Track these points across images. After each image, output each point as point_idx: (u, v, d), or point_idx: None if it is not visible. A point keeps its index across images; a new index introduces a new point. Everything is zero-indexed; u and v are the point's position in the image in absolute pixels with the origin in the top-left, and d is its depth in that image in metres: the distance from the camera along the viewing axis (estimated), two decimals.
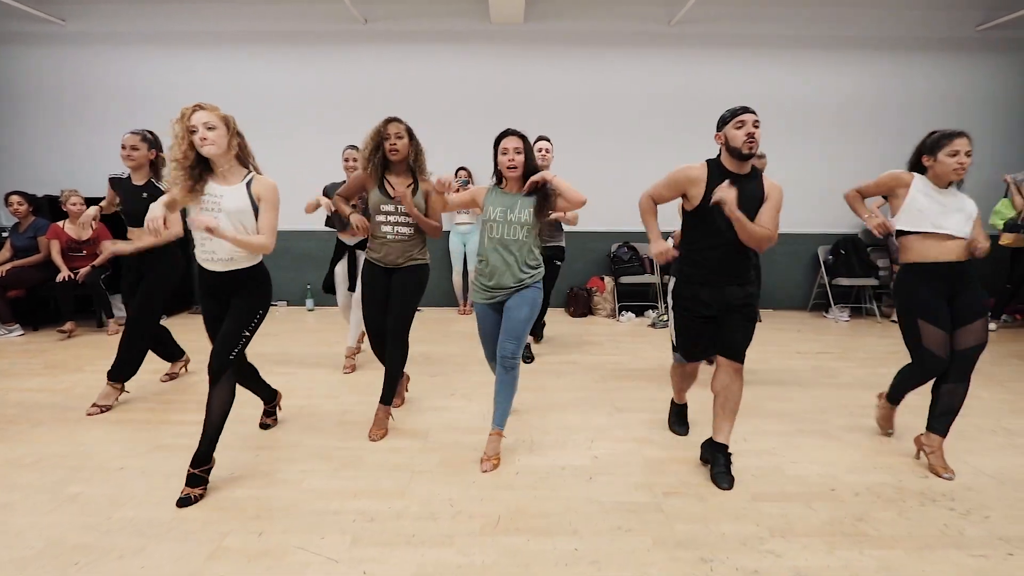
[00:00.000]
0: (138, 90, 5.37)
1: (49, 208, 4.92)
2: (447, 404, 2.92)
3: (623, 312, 5.26)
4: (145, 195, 2.96)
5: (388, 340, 2.54)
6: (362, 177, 2.50)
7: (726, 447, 2.15)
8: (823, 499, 2.00)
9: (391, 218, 2.50)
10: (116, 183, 3.03)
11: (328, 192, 3.66)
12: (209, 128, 1.95)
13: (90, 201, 4.55)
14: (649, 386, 3.22)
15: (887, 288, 5.36)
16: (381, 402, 2.56)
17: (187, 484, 2.00)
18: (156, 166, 3.02)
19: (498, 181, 2.31)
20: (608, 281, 5.41)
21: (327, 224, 3.76)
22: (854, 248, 5.33)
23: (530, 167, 2.21)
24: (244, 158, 2.09)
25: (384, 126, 2.45)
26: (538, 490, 2.05)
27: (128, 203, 2.94)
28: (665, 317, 4.97)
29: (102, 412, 2.81)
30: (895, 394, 2.46)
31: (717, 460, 2.15)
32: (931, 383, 2.31)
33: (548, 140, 4.02)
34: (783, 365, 3.68)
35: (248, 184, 2.07)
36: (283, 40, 5.32)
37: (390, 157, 2.45)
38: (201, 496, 1.99)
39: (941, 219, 2.15)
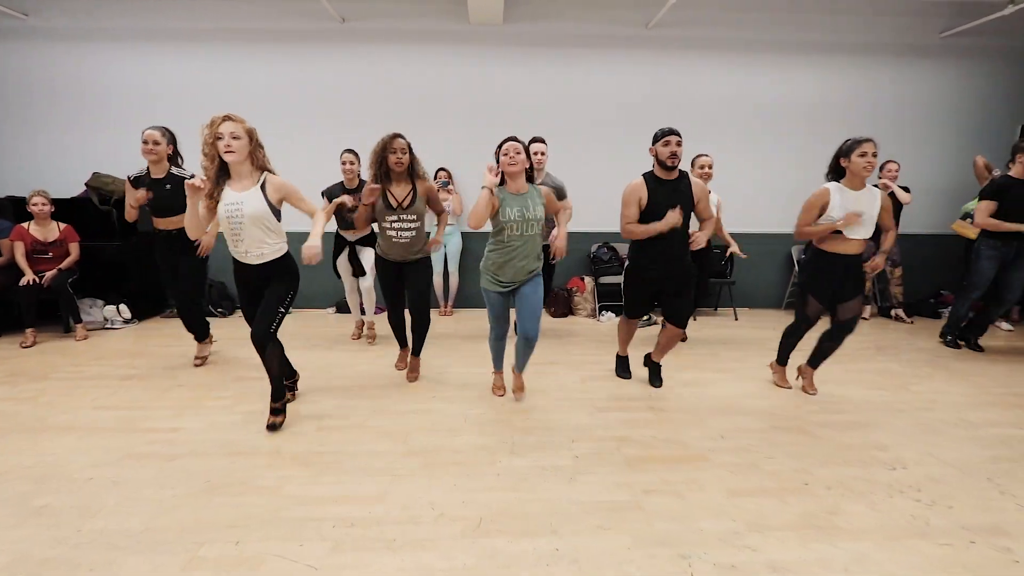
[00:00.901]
0: (108, 88, 5.21)
1: (13, 209, 4.74)
2: (428, 407, 2.91)
3: (603, 312, 5.31)
4: (168, 186, 3.31)
5: (413, 318, 3.17)
6: (377, 192, 2.91)
7: (659, 365, 3.25)
8: (797, 494, 2.06)
9: (395, 225, 2.95)
10: (137, 182, 3.35)
11: (328, 196, 4.00)
12: (234, 138, 2.23)
13: (57, 202, 4.41)
14: (630, 386, 3.26)
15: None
16: (413, 354, 3.32)
17: (271, 414, 2.58)
18: (174, 160, 3.36)
19: (501, 182, 2.61)
20: (588, 281, 5.45)
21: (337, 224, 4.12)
22: None
23: (529, 168, 2.63)
24: (261, 165, 2.38)
25: (390, 140, 2.84)
26: (519, 491, 2.06)
27: (153, 197, 3.30)
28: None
29: (203, 363, 3.56)
30: (783, 356, 3.24)
31: (653, 370, 3.24)
32: (818, 336, 3.10)
33: (544, 142, 3.98)
34: (758, 363, 3.76)
35: (262, 186, 2.36)
36: (258, 38, 5.22)
37: (395, 168, 2.86)
38: (283, 421, 2.60)
39: (853, 227, 2.71)
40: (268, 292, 2.50)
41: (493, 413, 2.82)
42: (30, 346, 4.10)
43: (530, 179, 2.66)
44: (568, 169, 5.16)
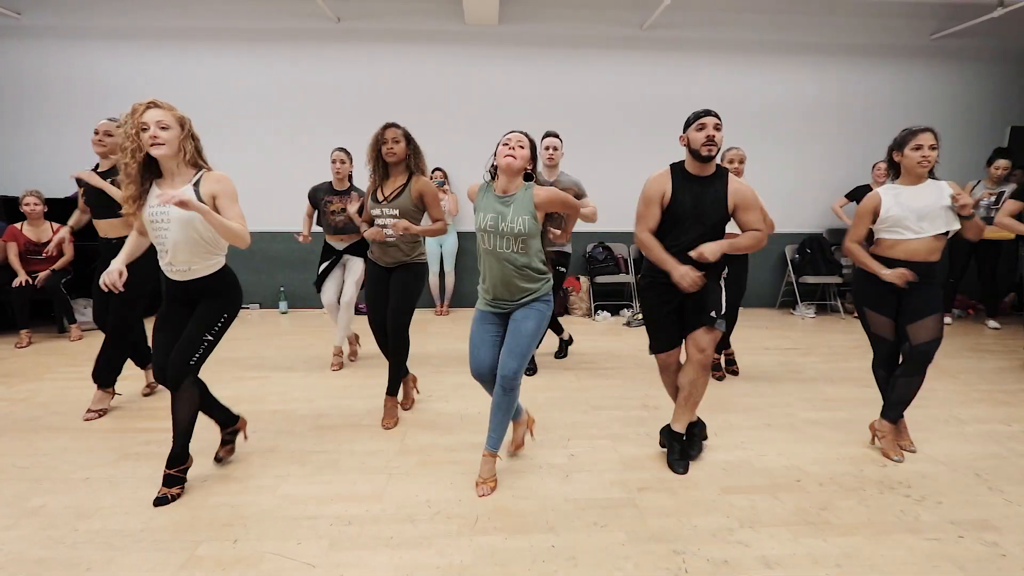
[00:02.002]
0: (102, 87, 5.18)
1: (5, 209, 4.72)
2: (424, 406, 2.92)
3: (599, 311, 5.34)
4: (114, 180, 2.74)
5: (389, 335, 2.69)
6: (371, 188, 2.70)
7: (682, 435, 2.28)
8: (789, 490, 2.08)
9: (379, 221, 2.65)
10: (84, 186, 2.87)
11: (312, 196, 3.64)
12: (162, 128, 1.85)
13: (50, 202, 4.39)
14: (624, 384, 3.28)
15: (850, 285, 5.56)
16: (388, 393, 2.73)
17: (164, 484, 2.01)
18: None
19: (492, 177, 2.07)
20: (584, 281, 5.48)
21: (318, 223, 3.69)
22: (819, 247, 5.53)
23: (531, 170, 2.04)
24: (194, 160, 1.95)
25: (382, 131, 2.59)
26: (515, 489, 2.07)
27: (93, 194, 2.80)
28: (640, 316, 5.06)
29: (100, 416, 2.76)
30: (891, 413, 2.41)
31: (672, 447, 2.29)
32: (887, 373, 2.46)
33: (558, 137, 3.54)
34: (752, 361, 3.80)
35: (196, 185, 1.93)
36: (253, 37, 5.21)
37: (386, 159, 2.60)
38: (179, 495, 2.01)
39: (918, 224, 2.24)
40: (194, 316, 2.02)
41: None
42: (24, 347, 4.09)
43: (528, 177, 2.05)
44: (565, 169, 5.18)
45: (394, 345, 2.70)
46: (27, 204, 4.19)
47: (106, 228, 2.87)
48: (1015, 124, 5.71)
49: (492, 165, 2.05)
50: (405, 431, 2.59)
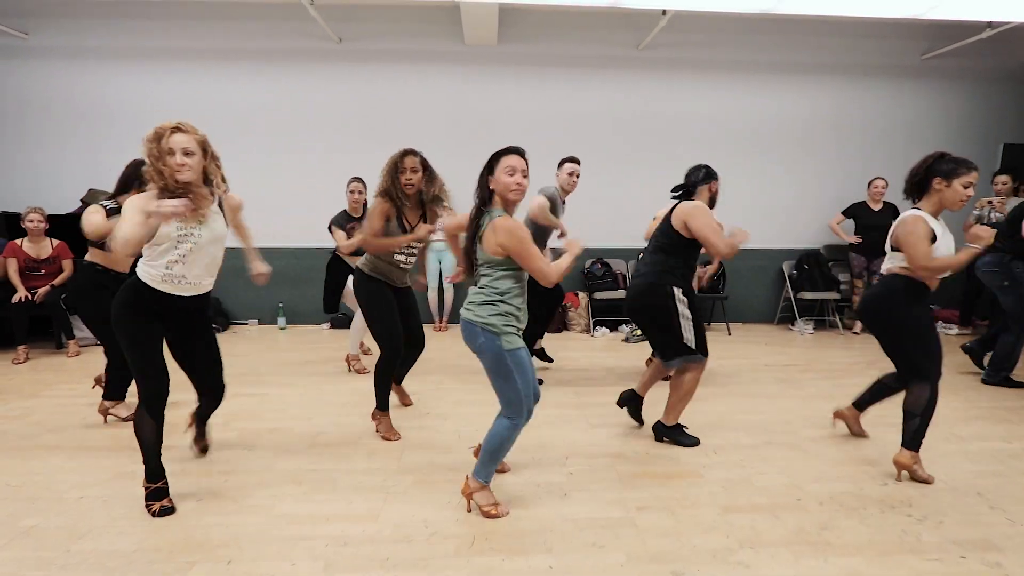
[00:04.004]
0: (105, 107, 5.25)
1: (7, 226, 4.74)
2: (421, 423, 2.91)
3: (597, 327, 5.33)
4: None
5: (417, 344, 2.90)
6: (383, 208, 2.55)
7: (641, 399, 2.89)
8: (789, 509, 2.07)
9: (405, 250, 2.65)
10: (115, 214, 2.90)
11: (335, 225, 3.85)
12: (187, 153, 1.86)
13: (52, 219, 4.41)
14: None
15: (848, 301, 5.58)
16: (397, 382, 3.09)
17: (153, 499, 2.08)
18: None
19: (483, 203, 2.02)
20: (582, 297, 5.49)
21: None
22: (817, 263, 5.55)
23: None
24: (210, 181, 1.99)
25: (400, 158, 2.49)
26: (513, 508, 2.05)
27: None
28: (638, 332, 5.05)
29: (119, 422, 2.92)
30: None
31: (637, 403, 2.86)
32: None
33: (578, 162, 3.69)
34: (751, 377, 3.78)
35: (220, 205, 2.05)
36: (255, 58, 5.29)
37: (404, 191, 2.50)
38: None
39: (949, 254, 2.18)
40: (207, 343, 2.26)
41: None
42: (22, 363, 4.07)
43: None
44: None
45: (420, 349, 2.93)
46: (30, 220, 4.21)
47: (125, 262, 2.84)
48: (1008, 141, 5.78)
49: (490, 191, 2.15)
50: (402, 449, 2.58)
